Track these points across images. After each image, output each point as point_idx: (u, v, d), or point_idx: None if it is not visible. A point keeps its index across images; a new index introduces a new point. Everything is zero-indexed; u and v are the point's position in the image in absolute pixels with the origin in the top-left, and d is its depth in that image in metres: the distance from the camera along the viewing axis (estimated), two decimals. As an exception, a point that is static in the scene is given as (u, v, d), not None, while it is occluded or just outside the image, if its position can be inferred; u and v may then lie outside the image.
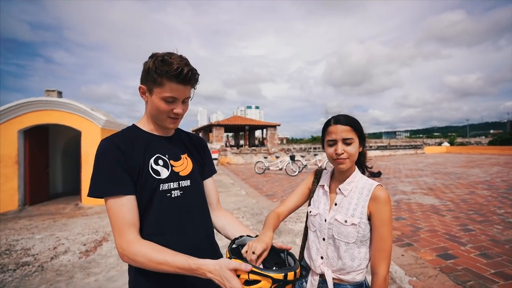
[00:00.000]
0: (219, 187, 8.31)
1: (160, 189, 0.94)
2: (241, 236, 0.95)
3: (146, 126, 1.02)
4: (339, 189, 1.08)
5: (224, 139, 22.45)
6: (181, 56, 0.92)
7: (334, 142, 1.03)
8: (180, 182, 0.99)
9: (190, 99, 0.98)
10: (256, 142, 31.47)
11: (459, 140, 38.50)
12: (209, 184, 1.16)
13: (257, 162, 12.73)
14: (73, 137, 7.34)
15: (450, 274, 2.64)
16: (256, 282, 0.73)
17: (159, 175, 0.94)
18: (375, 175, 9.84)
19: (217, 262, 0.79)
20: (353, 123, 1.03)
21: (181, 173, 1.01)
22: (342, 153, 1.01)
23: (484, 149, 23.82)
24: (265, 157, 13.21)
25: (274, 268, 0.85)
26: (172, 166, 0.99)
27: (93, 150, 6.36)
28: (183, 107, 0.96)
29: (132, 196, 0.88)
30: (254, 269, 0.74)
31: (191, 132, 1.22)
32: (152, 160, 0.95)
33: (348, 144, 1.02)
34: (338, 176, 1.12)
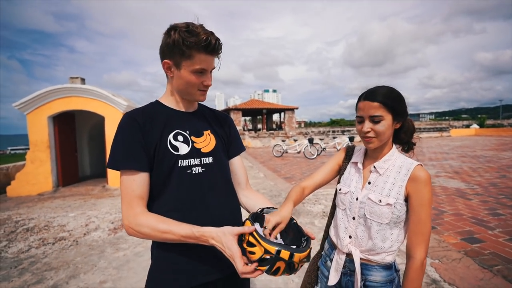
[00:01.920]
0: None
1: (179, 165, 0.92)
2: (269, 208, 0.94)
3: (168, 101, 0.99)
4: (374, 167, 1.02)
5: (242, 123, 22.51)
6: (202, 25, 0.87)
7: (361, 119, 0.98)
8: (202, 159, 0.97)
9: (217, 70, 0.96)
10: (274, 125, 31.29)
11: (490, 122, 35.99)
12: (236, 162, 1.12)
13: (275, 146, 12.72)
14: (97, 123, 7.67)
15: (476, 258, 2.56)
16: (252, 245, 0.75)
17: (178, 151, 0.92)
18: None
19: (220, 229, 0.81)
20: (385, 99, 0.93)
21: (203, 150, 0.98)
22: (369, 131, 0.96)
23: (518, 131, 22.16)
24: (283, 141, 13.15)
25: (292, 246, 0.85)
26: (193, 142, 0.96)
27: (116, 134, 6.64)
28: (210, 78, 0.94)
29: (144, 173, 0.88)
30: (255, 233, 0.76)
31: (217, 109, 1.18)
32: (171, 136, 0.93)
33: (377, 122, 0.94)
34: (373, 154, 1.05)
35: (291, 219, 0.91)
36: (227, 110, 22.91)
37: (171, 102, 0.99)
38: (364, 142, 1.01)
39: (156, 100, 1.02)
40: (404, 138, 1.05)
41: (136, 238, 3.37)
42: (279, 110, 26.06)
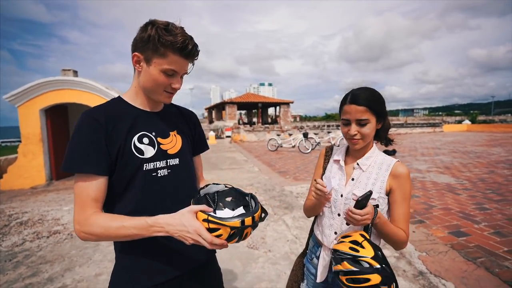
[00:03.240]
0: (233, 164, 8.48)
1: (144, 168, 0.89)
2: (207, 185, 0.94)
3: (133, 99, 0.94)
4: (358, 164, 1.07)
5: (237, 117, 22.45)
6: (183, 28, 0.85)
7: (348, 122, 1.01)
8: (168, 160, 0.95)
9: (187, 74, 0.92)
10: (269, 119, 31.28)
11: (481, 118, 36.63)
12: (197, 159, 1.14)
13: (270, 140, 12.76)
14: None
15: (461, 251, 2.66)
16: (215, 230, 0.75)
17: (143, 154, 0.89)
18: (390, 153, 9.63)
19: (177, 212, 0.80)
20: (370, 102, 0.97)
21: (170, 151, 0.96)
22: (355, 134, 1.00)
23: (508, 127, 22.60)
24: (278, 135, 13.19)
25: (241, 209, 0.90)
26: (159, 144, 0.93)
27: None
28: (180, 82, 0.91)
29: (102, 177, 0.83)
30: (211, 218, 0.76)
31: (182, 106, 1.16)
32: (135, 138, 0.89)
33: (363, 125, 0.99)
34: (355, 152, 1.09)
35: (226, 186, 0.95)
36: (223, 104, 22.79)
37: (136, 101, 0.94)
38: (350, 143, 1.05)
39: (119, 97, 0.95)
40: (382, 135, 1.12)
41: (131, 232, 3.39)
42: (275, 104, 26.04)
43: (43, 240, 3.20)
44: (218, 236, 0.75)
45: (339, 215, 1.07)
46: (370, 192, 0.88)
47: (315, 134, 13.84)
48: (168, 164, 0.94)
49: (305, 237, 2.05)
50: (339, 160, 1.12)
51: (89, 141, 0.81)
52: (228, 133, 18.51)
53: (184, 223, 0.76)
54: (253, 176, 6.66)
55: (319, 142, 12.36)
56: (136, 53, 0.86)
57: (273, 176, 6.65)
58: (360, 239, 0.87)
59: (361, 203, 0.88)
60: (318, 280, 1.11)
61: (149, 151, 0.90)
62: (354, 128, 1.00)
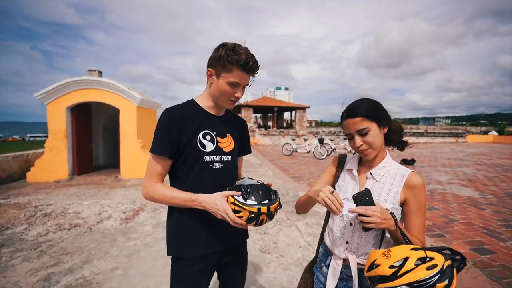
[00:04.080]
0: (247, 167, 8.52)
1: (204, 160, 1.12)
2: (242, 178, 1.15)
3: (203, 103, 1.18)
4: (371, 173, 1.06)
5: (252, 120, 22.56)
6: (246, 48, 1.06)
7: (351, 136, 1.03)
8: (223, 156, 1.17)
9: (248, 86, 1.14)
10: (285, 124, 31.18)
11: (510, 129, 34.58)
12: (239, 159, 1.37)
13: (285, 144, 12.70)
14: (113, 114, 7.88)
15: (485, 269, 2.53)
16: (238, 211, 0.98)
17: (205, 148, 1.13)
18: (409, 162, 9.35)
19: (213, 194, 1.04)
20: (364, 111, 0.99)
21: (225, 149, 1.18)
22: (361, 144, 1.00)
23: (540, 139, 21.24)
24: (293, 139, 13.12)
25: (265, 201, 1.04)
26: (218, 142, 1.16)
27: (130, 126, 6.81)
28: (242, 92, 1.11)
29: (168, 160, 1.11)
30: (237, 202, 0.98)
31: (237, 115, 1.40)
32: (201, 134, 1.12)
33: (365, 135, 0.99)
34: (368, 161, 1.08)
35: (258, 181, 1.10)
36: (239, 107, 22.99)
37: (206, 104, 1.18)
38: (362, 155, 1.05)
39: (192, 100, 1.20)
40: (395, 139, 1.10)
41: (147, 229, 3.48)
42: (291, 109, 25.93)
43: (65, 232, 3.36)
44: (239, 217, 0.98)
45: (351, 224, 1.06)
46: (367, 190, 0.89)
47: (331, 140, 13.64)
48: (222, 159, 1.17)
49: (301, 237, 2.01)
50: (352, 170, 1.12)
51: (165, 132, 1.07)
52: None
53: (217, 203, 1.01)
54: (267, 180, 6.65)
55: (334, 149, 12.17)
56: (210, 69, 1.10)
57: (287, 181, 6.61)
58: (421, 253, 0.76)
59: (358, 200, 0.88)
60: None
61: (210, 146, 1.14)
62: (358, 140, 1.00)
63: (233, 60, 1.01)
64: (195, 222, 1.13)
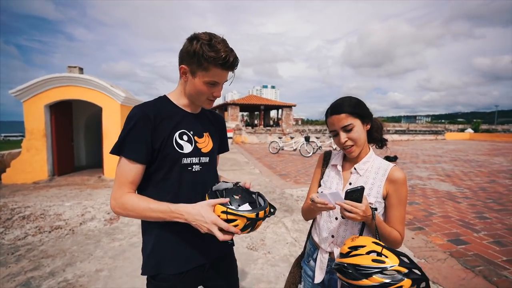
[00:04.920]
0: (234, 165, 8.51)
1: (182, 162, 1.01)
2: (217, 182, 1.07)
3: (178, 100, 1.06)
4: (355, 168, 1.09)
5: (239, 118, 22.50)
6: (224, 40, 0.93)
7: (335, 133, 1.06)
8: (201, 158, 1.07)
9: (228, 83, 1.04)
10: (271, 122, 31.32)
11: (484, 127, 36.48)
12: (217, 158, 1.28)
13: (272, 142, 12.78)
14: (95, 113, 7.64)
15: (460, 259, 2.67)
16: (233, 220, 0.87)
17: (182, 149, 1.01)
18: (391, 159, 9.66)
19: (197, 203, 0.91)
20: (348, 108, 1.02)
21: (203, 150, 1.08)
22: (346, 141, 1.03)
23: (511, 137, 22.52)
24: (280, 138, 13.22)
25: (247, 205, 0.96)
26: (196, 142, 1.06)
27: (113, 125, 6.63)
28: (220, 90, 1.02)
29: (141, 165, 0.96)
30: (230, 210, 0.87)
31: (213, 111, 1.27)
32: (177, 134, 1.00)
33: (349, 131, 1.02)
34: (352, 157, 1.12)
35: (236, 183, 1.04)
36: (225, 105, 22.86)
37: (180, 102, 1.06)
38: (346, 152, 1.08)
39: (165, 96, 1.07)
40: (377, 136, 1.14)
41: (132, 229, 3.42)
42: (277, 107, 26.08)
43: (45, 235, 3.24)
44: (235, 226, 0.87)
45: (336, 218, 1.10)
46: (362, 187, 0.91)
47: (317, 138, 13.85)
48: (200, 161, 1.07)
49: (304, 240, 2.09)
50: (337, 165, 1.15)
51: (137, 132, 0.94)
52: (230, 134, 18.56)
53: (203, 214, 0.87)
54: (254, 178, 6.68)
55: (320, 146, 12.38)
56: (183, 66, 0.96)
57: (273, 178, 6.67)
58: (377, 248, 0.83)
59: (349, 195, 0.91)
60: (316, 281, 1.14)
61: (187, 147, 1.02)
62: (343, 136, 1.04)
63: (210, 57, 0.89)
64: (176, 235, 1.01)
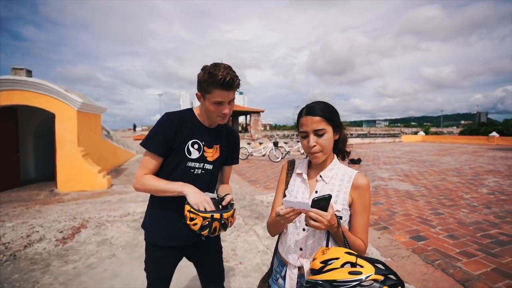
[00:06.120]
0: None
1: (187, 164, 1.26)
2: (216, 189, 1.32)
3: (199, 115, 1.31)
4: (321, 176, 1.06)
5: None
6: (225, 66, 1.14)
7: (306, 134, 1.02)
8: (205, 164, 1.30)
9: (234, 99, 1.22)
10: (240, 128, 31.30)
11: (433, 129, 40.50)
12: (228, 169, 1.51)
13: (240, 148, 12.72)
14: (47, 120, 6.92)
15: (421, 255, 2.83)
16: (194, 219, 1.08)
17: (190, 155, 1.26)
18: (355, 162, 10.17)
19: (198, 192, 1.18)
20: (325, 113, 1.00)
21: (209, 158, 1.31)
22: (314, 145, 1.00)
23: (455, 138, 25.23)
24: (249, 143, 13.22)
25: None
26: (204, 151, 1.29)
27: (68, 133, 6.06)
28: (229, 107, 1.20)
29: (160, 158, 1.24)
30: (191, 209, 1.08)
31: (230, 126, 1.50)
32: (190, 142, 1.25)
33: (320, 136, 1.00)
34: (317, 165, 1.09)
35: (223, 196, 1.21)
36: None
37: (201, 117, 1.31)
38: (311, 157, 1.05)
39: (191, 109, 1.33)
40: (342, 148, 1.13)
41: (90, 248, 3.09)
42: (245, 113, 26.18)
43: (-21, 263, 2.77)
44: (194, 225, 1.08)
45: (304, 230, 1.05)
46: (329, 196, 0.88)
47: (285, 143, 14.10)
48: (204, 167, 1.30)
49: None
50: (302, 174, 1.11)
51: (163, 133, 1.21)
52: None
53: (195, 192, 1.17)
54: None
55: (289, 151, 12.61)
56: (197, 92, 1.23)
57: (243, 185, 6.59)
58: (351, 258, 0.80)
59: (316, 203, 0.86)
60: None
61: (195, 154, 1.27)
62: (312, 139, 1.00)
63: (210, 82, 1.11)
64: (165, 216, 1.29)
